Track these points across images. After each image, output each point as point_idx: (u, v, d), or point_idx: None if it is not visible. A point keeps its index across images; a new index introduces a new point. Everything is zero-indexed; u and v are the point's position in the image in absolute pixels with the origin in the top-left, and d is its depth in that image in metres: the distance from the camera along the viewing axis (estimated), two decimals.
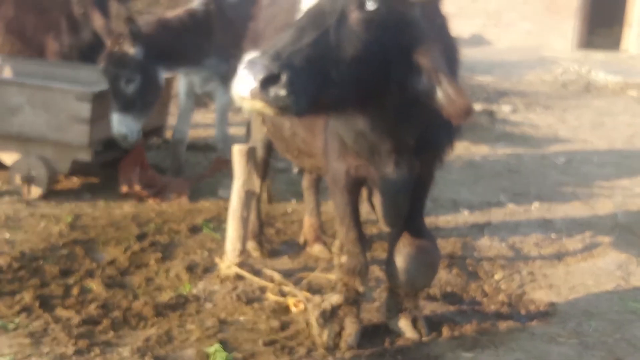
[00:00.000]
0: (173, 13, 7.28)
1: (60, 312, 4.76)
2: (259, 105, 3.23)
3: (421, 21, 3.60)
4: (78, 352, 4.25)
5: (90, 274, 5.40)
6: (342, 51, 3.38)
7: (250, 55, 3.22)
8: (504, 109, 13.05)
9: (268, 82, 3.15)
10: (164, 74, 6.98)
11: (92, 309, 4.81)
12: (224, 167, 7.29)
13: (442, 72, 3.52)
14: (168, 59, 6.89)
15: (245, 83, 3.17)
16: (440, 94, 3.51)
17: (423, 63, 3.51)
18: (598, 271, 5.92)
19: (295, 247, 6.17)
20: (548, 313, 5.10)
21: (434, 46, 3.57)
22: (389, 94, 3.64)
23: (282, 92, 3.16)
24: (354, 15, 3.41)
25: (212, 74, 7.38)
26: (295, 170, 6.20)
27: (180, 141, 7.81)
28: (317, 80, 3.32)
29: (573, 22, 23.64)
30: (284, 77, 3.15)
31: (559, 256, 6.26)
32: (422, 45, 3.54)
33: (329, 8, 3.41)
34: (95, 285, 5.19)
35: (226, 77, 7.10)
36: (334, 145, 4.30)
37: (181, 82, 7.69)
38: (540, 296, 5.40)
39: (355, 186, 4.47)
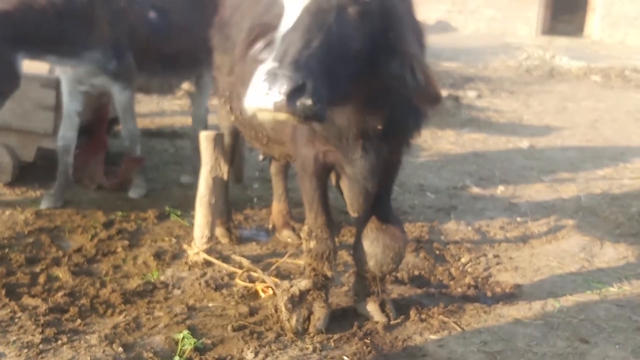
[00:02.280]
0: None
1: (27, 300, 4.72)
2: (282, 116, 3.19)
3: (399, 7, 3.65)
4: (45, 341, 4.21)
5: (56, 262, 5.35)
6: (345, 47, 3.39)
7: (266, 65, 3.15)
8: (469, 94, 13.17)
9: (294, 93, 3.10)
10: (21, 60, 5.87)
11: (58, 297, 4.77)
12: (137, 165, 6.83)
13: (416, 57, 3.57)
14: (31, 44, 5.85)
15: (267, 95, 3.09)
16: (410, 80, 3.54)
17: (399, 47, 3.55)
18: (562, 253, 6.00)
19: (264, 233, 6.18)
20: (514, 295, 5.17)
21: (409, 31, 3.63)
22: (368, 81, 3.66)
23: (309, 102, 3.12)
24: (352, 9, 3.40)
25: (98, 70, 6.34)
26: (261, 157, 6.19)
27: (66, 150, 6.54)
28: (330, 81, 3.31)
29: (537, 8, 23.88)
30: (308, 86, 3.12)
31: (524, 239, 6.34)
32: (399, 30, 3.58)
33: (326, 4, 3.36)
34: (61, 273, 5.15)
35: (118, 74, 6.38)
36: (303, 132, 4.30)
37: (62, 79, 6.54)
38: (506, 278, 5.47)
39: (323, 172, 4.47)
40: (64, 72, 6.44)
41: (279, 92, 3.08)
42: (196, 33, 6.63)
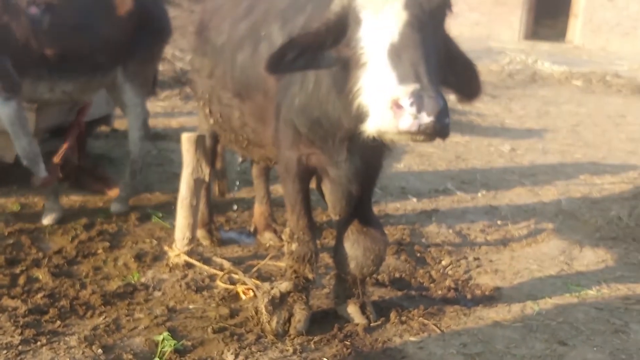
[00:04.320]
0: None
1: (6, 301, 4.70)
2: (421, 138, 3.16)
3: None
4: (24, 342, 4.20)
5: (36, 263, 5.33)
6: (439, 58, 3.42)
7: (408, 87, 3.08)
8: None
9: (441, 114, 3.08)
10: None
11: (38, 299, 4.76)
12: (45, 185, 6.10)
13: (461, 58, 3.72)
14: None
15: (416, 119, 3.04)
16: (452, 80, 3.67)
17: (449, 51, 3.61)
18: (542, 256, 6.05)
19: (245, 235, 6.18)
20: (493, 297, 5.20)
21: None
22: None
23: (447, 120, 3.12)
24: (440, 20, 3.46)
25: None
26: (240, 159, 6.20)
27: None
28: None
29: (520, 13, 24.01)
30: (446, 105, 3.12)
31: (504, 242, 6.38)
32: (445, 33, 3.65)
33: (422, 17, 3.33)
34: (41, 275, 5.13)
35: None
36: (287, 134, 4.30)
37: None
38: (486, 281, 5.50)
39: (306, 174, 4.48)
40: None
41: (427, 115, 3.04)
42: (100, 35, 6.13)
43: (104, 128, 8.38)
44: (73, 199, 6.68)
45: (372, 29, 3.34)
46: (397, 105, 3.05)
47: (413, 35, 3.26)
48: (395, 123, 3.07)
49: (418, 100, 3.05)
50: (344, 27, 3.51)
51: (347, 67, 3.50)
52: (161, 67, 12.38)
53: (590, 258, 6.05)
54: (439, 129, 3.09)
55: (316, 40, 3.57)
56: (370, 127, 3.23)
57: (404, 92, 3.05)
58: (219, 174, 6.36)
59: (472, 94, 3.83)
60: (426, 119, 3.05)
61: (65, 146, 6.52)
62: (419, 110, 3.04)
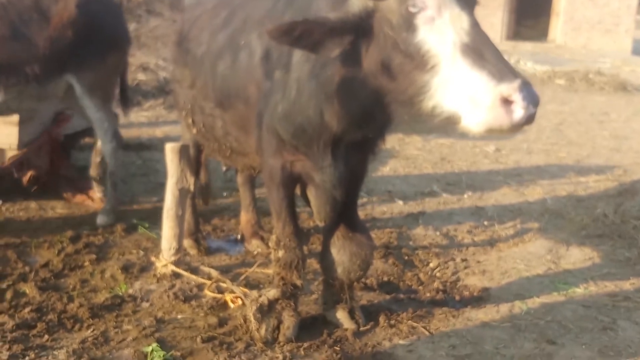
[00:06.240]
0: None
1: None
2: (524, 128, 3.22)
3: None
4: (12, 357, 4.17)
5: (23, 277, 5.30)
6: None
7: (514, 83, 3.10)
8: None
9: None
10: None
11: (26, 313, 4.72)
12: None
13: None
14: None
15: (526, 111, 3.08)
16: None
17: None
18: (529, 256, 6.07)
19: (232, 243, 6.17)
20: (482, 298, 5.21)
21: None
22: None
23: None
24: None
25: None
26: (224, 168, 6.17)
27: None
28: None
29: (501, 14, 24.09)
30: None
31: (491, 242, 6.40)
32: None
33: (475, 15, 3.42)
34: (28, 289, 5.10)
35: None
36: (270, 142, 4.30)
37: None
38: (474, 282, 5.52)
39: (291, 181, 4.47)
40: None
41: (533, 106, 3.10)
42: (31, 45, 5.98)
43: (87, 140, 8.34)
44: (59, 212, 6.64)
45: (437, 33, 3.34)
46: (507, 101, 3.09)
47: (482, 34, 3.34)
48: (509, 118, 3.11)
49: (527, 93, 3.10)
50: (363, 29, 3.54)
51: (395, 72, 3.50)
52: (145, 76, 12.39)
53: (577, 256, 6.08)
54: (533, 119, 3.17)
55: (329, 29, 3.55)
56: (475, 126, 3.22)
57: (514, 88, 3.09)
58: (203, 184, 6.33)
59: None
60: (532, 109, 3.11)
61: (24, 151, 6.50)
62: (529, 103, 3.09)
